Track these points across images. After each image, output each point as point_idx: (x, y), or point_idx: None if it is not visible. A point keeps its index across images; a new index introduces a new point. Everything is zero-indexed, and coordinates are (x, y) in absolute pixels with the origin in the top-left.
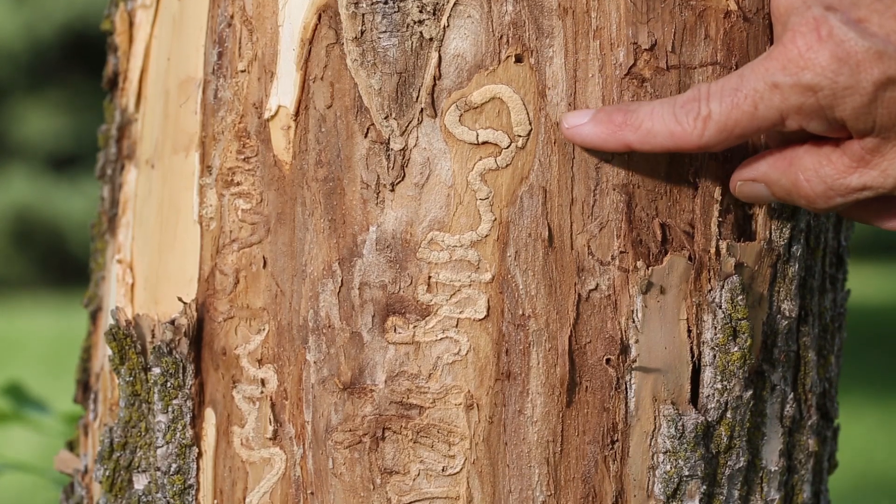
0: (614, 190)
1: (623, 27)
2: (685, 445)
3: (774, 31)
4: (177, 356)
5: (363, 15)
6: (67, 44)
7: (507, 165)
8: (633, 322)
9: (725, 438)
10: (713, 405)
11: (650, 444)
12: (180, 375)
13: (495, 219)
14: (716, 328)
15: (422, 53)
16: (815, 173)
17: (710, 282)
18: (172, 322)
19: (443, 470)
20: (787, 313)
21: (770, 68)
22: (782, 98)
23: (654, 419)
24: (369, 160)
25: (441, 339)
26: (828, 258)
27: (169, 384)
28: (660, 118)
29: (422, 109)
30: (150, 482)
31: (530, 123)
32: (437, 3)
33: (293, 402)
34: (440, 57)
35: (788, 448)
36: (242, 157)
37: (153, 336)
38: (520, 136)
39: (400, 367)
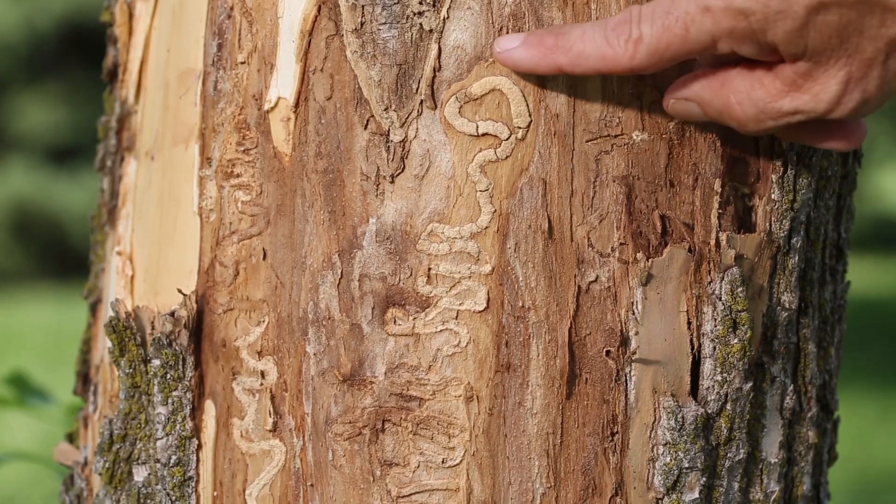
0: (614, 182)
1: None
2: (685, 437)
3: None
4: (176, 348)
5: (363, 6)
6: (67, 36)
7: (506, 157)
8: (633, 314)
9: (725, 430)
10: (713, 397)
11: (650, 436)
12: (180, 367)
13: (495, 210)
14: (716, 320)
15: (421, 45)
16: (747, 96)
17: (710, 273)
18: (172, 314)
19: (443, 462)
20: (787, 305)
21: None
22: (714, 21)
23: (654, 411)
24: (369, 152)
25: (441, 330)
26: (828, 250)
27: (169, 376)
28: (591, 40)
29: (422, 101)
30: (149, 474)
31: (530, 115)
32: None
33: (293, 394)
34: (440, 48)
35: (788, 440)
36: (242, 148)
37: (153, 328)
38: (519, 127)
39: (400, 359)
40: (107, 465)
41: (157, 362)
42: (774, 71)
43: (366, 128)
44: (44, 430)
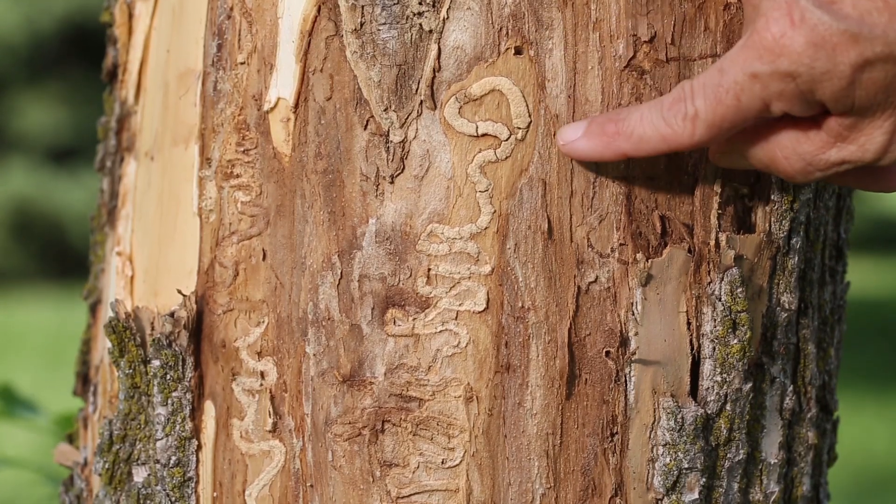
0: (614, 182)
1: (623, 19)
2: (685, 438)
3: (745, 14)
4: (176, 348)
5: (363, 7)
6: (67, 36)
7: (506, 157)
8: (633, 314)
9: (725, 431)
10: (713, 398)
11: (650, 437)
12: (180, 368)
13: (495, 211)
14: (715, 320)
15: (421, 45)
16: (794, 151)
17: (709, 274)
18: (172, 314)
19: (442, 462)
20: (786, 306)
21: (747, 58)
22: (763, 87)
23: (654, 411)
24: (369, 152)
25: (440, 331)
26: (827, 250)
27: (168, 377)
28: (650, 123)
29: (421, 101)
30: (149, 475)
31: (530, 116)
32: None
33: (292, 395)
34: (440, 49)
35: (788, 441)
36: (242, 149)
37: (153, 328)
38: (519, 128)
39: (399, 360)
40: (106, 466)
41: (156, 363)
42: (819, 124)
43: (365, 128)
44: (33, 440)
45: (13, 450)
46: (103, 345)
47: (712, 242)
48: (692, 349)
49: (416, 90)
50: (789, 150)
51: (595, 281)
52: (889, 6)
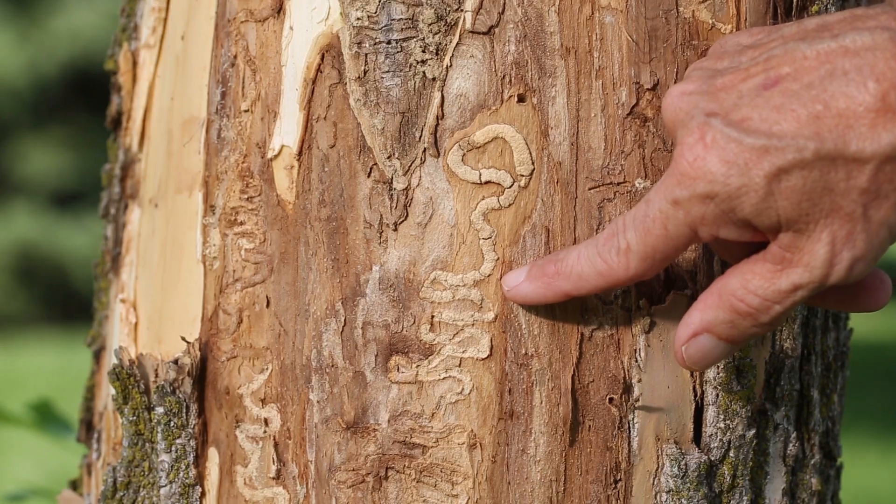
0: None
1: (625, 67)
2: (688, 485)
3: (673, 145)
4: (180, 395)
5: (366, 55)
6: (71, 81)
7: (509, 205)
8: (636, 361)
9: (728, 478)
10: (716, 444)
11: (653, 484)
12: (183, 415)
13: (498, 258)
14: (718, 367)
15: (424, 93)
16: (745, 290)
17: None
18: (176, 361)
19: None
20: (789, 352)
21: (668, 186)
22: (685, 213)
23: (657, 458)
24: (372, 200)
25: (444, 378)
26: None
27: (172, 423)
28: (587, 261)
29: (425, 149)
30: None
31: (533, 163)
32: (440, 43)
33: (296, 442)
34: (443, 97)
35: (791, 487)
36: (246, 196)
37: (156, 375)
38: (522, 175)
39: (403, 407)
40: None
41: (160, 410)
42: (763, 255)
43: (369, 175)
44: (58, 468)
45: (42, 473)
46: (107, 391)
47: None
48: (695, 396)
49: (420, 137)
50: (742, 291)
51: (598, 328)
52: (797, 115)
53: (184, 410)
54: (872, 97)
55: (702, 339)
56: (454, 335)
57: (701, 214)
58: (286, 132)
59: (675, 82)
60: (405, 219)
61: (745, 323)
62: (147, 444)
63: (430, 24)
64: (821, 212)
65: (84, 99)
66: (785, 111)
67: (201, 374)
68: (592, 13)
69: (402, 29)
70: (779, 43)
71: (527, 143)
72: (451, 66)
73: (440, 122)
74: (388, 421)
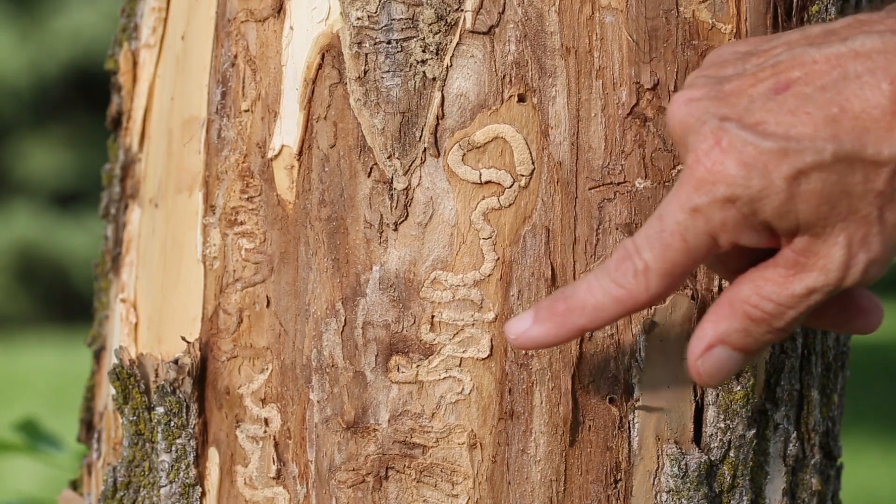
0: (617, 229)
1: (626, 67)
2: (688, 485)
3: (679, 155)
4: (180, 395)
5: (366, 55)
6: (71, 81)
7: (509, 205)
8: (636, 361)
9: (728, 478)
10: (716, 444)
11: (653, 484)
12: (184, 415)
13: (498, 258)
14: None
15: (425, 93)
16: (758, 296)
17: None
18: (176, 361)
19: None
20: (789, 352)
21: (684, 195)
22: (706, 220)
23: (658, 458)
24: (372, 200)
25: (444, 378)
26: None
27: (172, 423)
28: (600, 290)
29: (425, 149)
30: None
31: (533, 163)
32: (440, 43)
33: (296, 442)
34: (443, 97)
35: (792, 487)
36: (246, 196)
37: (157, 375)
38: (522, 175)
39: (403, 407)
40: None
41: (160, 410)
42: (775, 261)
43: (369, 175)
44: (53, 475)
45: (33, 484)
46: (107, 391)
47: (715, 289)
48: (695, 396)
49: (420, 137)
50: (755, 299)
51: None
52: (812, 118)
53: (184, 410)
54: (888, 100)
55: (716, 352)
56: (454, 335)
57: (722, 220)
58: (286, 132)
59: (676, 83)
60: (405, 219)
61: (759, 330)
62: (147, 444)
63: (430, 24)
64: (838, 215)
65: (84, 99)
66: (800, 114)
67: (201, 374)
68: (593, 13)
69: (402, 29)
70: (784, 48)
71: (527, 143)
72: (451, 65)
73: (440, 121)
74: (389, 421)
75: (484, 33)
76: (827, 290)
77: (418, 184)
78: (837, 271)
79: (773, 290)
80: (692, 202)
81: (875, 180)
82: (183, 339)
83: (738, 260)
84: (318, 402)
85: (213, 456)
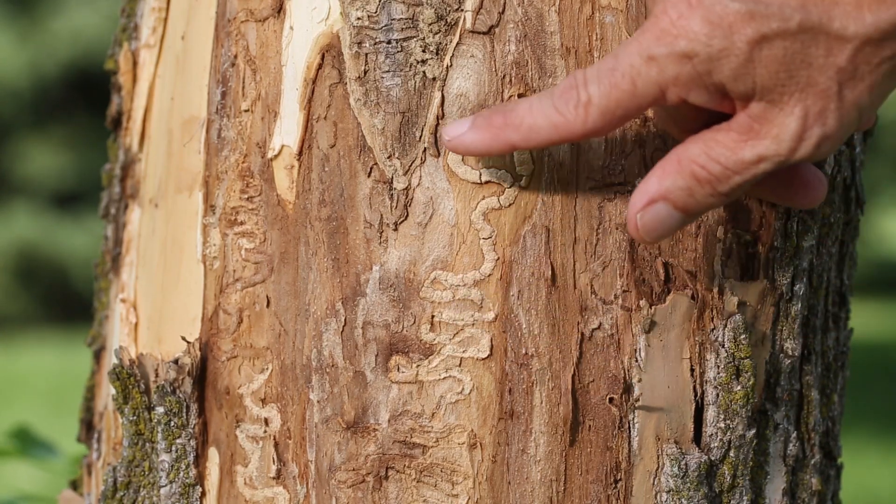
0: (617, 229)
1: None
2: (688, 484)
3: (647, 5)
4: (180, 395)
5: (366, 55)
6: (71, 81)
7: (509, 205)
8: (636, 361)
9: (728, 478)
10: (716, 444)
11: (653, 483)
12: (184, 415)
13: (498, 258)
14: (719, 367)
15: (425, 93)
16: (707, 157)
17: (712, 321)
18: (176, 361)
19: None
20: (789, 352)
21: (644, 42)
22: (659, 70)
23: (658, 458)
24: (372, 199)
25: (444, 378)
26: (830, 297)
27: (172, 423)
28: (540, 112)
29: (425, 149)
30: None
31: (533, 163)
32: (440, 43)
33: (296, 442)
34: (443, 96)
35: (792, 487)
36: (246, 196)
37: (157, 375)
38: (522, 175)
39: (403, 407)
40: None
41: (160, 410)
42: (728, 124)
43: (369, 175)
44: (49, 480)
45: (27, 484)
46: (107, 391)
47: (715, 289)
48: (695, 395)
49: (420, 137)
50: (703, 158)
51: (598, 327)
52: None
53: (184, 410)
54: None
55: (657, 207)
56: (454, 335)
57: (675, 74)
58: (286, 132)
59: None
60: (405, 218)
61: (702, 191)
62: (147, 444)
63: (430, 24)
64: (796, 85)
65: (84, 99)
66: None
67: (201, 374)
68: (593, 13)
69: (402, 29)
70: None
71: None
72: (451, 65)
73: (440, 121)
74: (389, 421)
75: (484, 33)
76: (777, 160)
77: (418, 184)
78: (790, 142)
79: (722, 152)
80: (650, 50)
81: (837, 55)
82: (183, 339)
83: (692, 121)
84: (318, 401)
85: (213, 456)
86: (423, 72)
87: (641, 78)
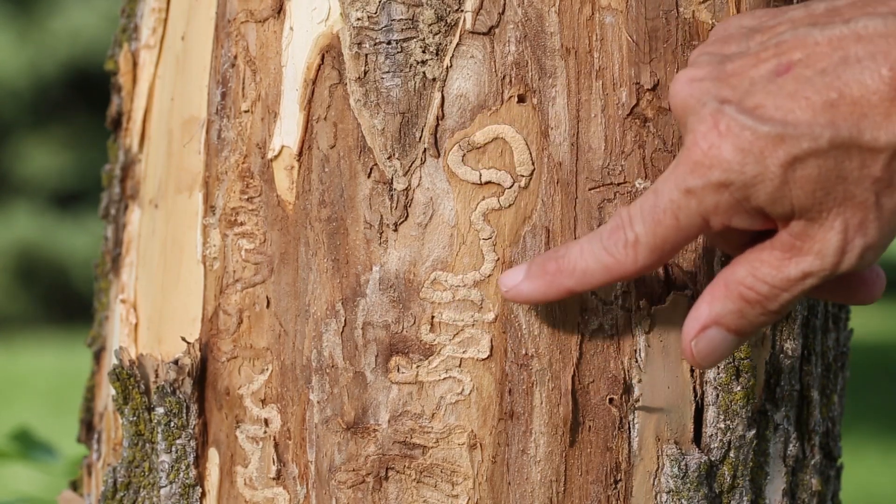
0: None
1: (625, 67)
2: (688, 485)
3: (680, 132)
4: (180, 396)
5: (366, 55)
6: (71, 81)
7: (509, 205)
8: (636, 361)
9: (728, 478)
10: (716, 444)
11: (653, 484)
12: (184, 415)
13: (498, 259)
14: (719, 367)
15: (425, 94)
16: (753, 278)
17: None
18: (176, 362)
19: None
20: (789, 353)
21: (680, 175)
22: (699, 202)
23: (658, 458)
24: (372, 200)
25: (444, 378)
26: None
27: (172, 424)
28: (591, 255)
29: (425, 149)
30: None
31: (533, 163)
32: (440, 44)
33: (296, 442)
34: (443, 97)
35: (792, 488)
36: (246, 197)
37: (157, 376)
38: (522, 175)
39: (403, 407)
40: None
41: (160, 410)
42: (771, 243)
43: (369, 176)
44: (49, 482)
45: (27, 487)
46: (107, 392)
47: None
48: (695, 396)
49: (420, 138)
50: (750, 279)
51: (598, 328)
52: (811, 103)
53: (184, 411)
54: (887, 86)
55: (711, 333)
56: (454, 335)
57: (714, 203)
58: (286, 132)
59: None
60: (405, 219)
61: (753, 312)
62: (147, 445)
63: (430, 25)
64: (834, 200)
65: (84, 99)
66: (798, 98)
67: (201, 375)
68: (592, 13)
69: (402, 29)
70: (788, 27)
71: (527, 144)
72: (451, 66)
73: (440, 122)
74: (389, 421)
75: (484, 34)
76: (822, 274)
77: (418, 184)
78: (833, 256)
79: (768, 272)
80: (687, 183)
81: (872, 166)
82: (183, 339)
83: (737, 237)
84: (318, 402)
85: (213, 456)
86: (423, 72)
87: (682, 211)
